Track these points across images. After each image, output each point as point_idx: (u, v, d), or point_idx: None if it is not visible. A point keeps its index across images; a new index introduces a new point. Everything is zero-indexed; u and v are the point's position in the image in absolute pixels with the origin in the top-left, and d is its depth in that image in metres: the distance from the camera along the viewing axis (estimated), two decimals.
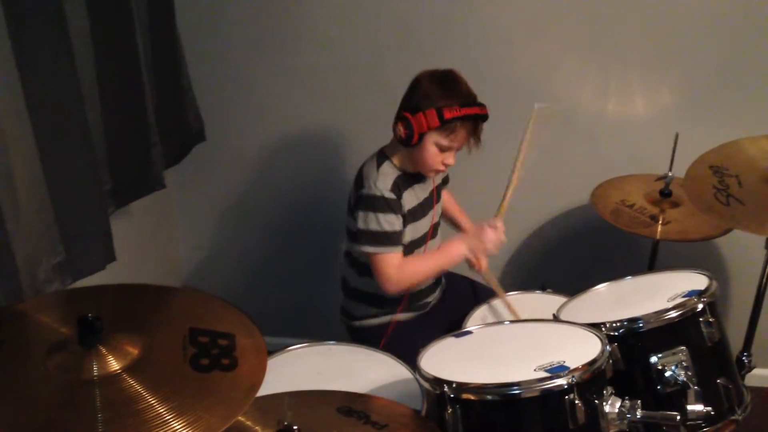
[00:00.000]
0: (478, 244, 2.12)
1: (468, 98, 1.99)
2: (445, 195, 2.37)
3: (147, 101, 2.27)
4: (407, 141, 1.99)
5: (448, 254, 2.16)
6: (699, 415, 1.53)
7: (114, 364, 1.18)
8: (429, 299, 2.32)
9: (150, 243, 2.78)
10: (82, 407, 1.12)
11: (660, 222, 2.28)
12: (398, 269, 2.07)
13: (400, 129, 1.99)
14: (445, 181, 2.36)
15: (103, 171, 2.12)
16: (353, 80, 2.65)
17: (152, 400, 1.14)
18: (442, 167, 2.07)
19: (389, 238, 2.06)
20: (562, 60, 2.55)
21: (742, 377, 2.07)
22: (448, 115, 1.94)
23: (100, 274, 1.99)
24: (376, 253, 2.06)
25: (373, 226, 2.04)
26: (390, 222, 2.05)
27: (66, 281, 1.86)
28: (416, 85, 2.03)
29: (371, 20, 2.56)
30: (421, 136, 1.98)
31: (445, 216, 2.39)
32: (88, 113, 1.94)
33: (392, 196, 2.05)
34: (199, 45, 2.63)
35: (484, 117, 2.01)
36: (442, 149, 2.02)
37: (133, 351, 1.22)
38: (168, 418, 1.11)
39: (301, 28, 2.61)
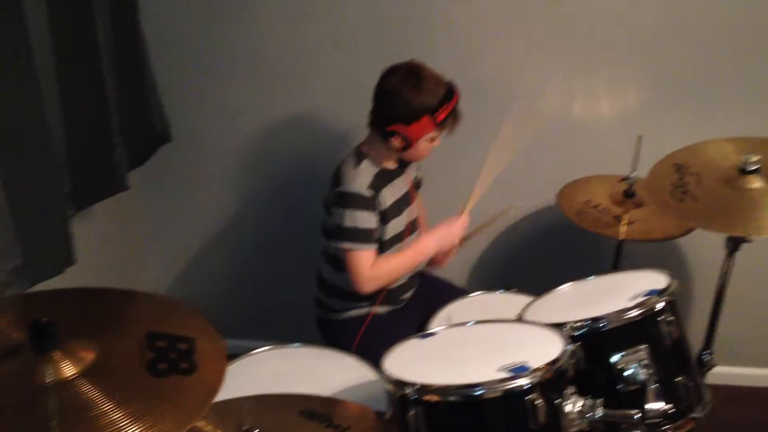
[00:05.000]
0: (447, 238, 2.20)
1: (445, 88, 2.04)
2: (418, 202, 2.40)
3: (109, 102, 2.24)
4: (404, 149, 2.06)
5: (418, 251, 2.20)
6: (658, 413, 1.54)
7: (69, 370, 1.16)
8: (406, 295, 2.34)
9: (115, 246, 2.74)
10: (36, 413, 1.10)
11: (624, 222, 2.30)
12: (371, 267, 2.10)
13: (396, 143, 2.04)
14: (418, 185, 2.38)
15: (63, 172, 2.09)
16: (321, 79, 2.64)
17: (108, 406, 1.11)
18: (429, 152, 2.14)
19: (364, 235, 2.08)
20: (528, 62, 2.56)
21: (703, 375, 2.09)
22: (441, 117, 2.02)
23: (61, 278, 1.96)
24: (351, 249, 2.09)
25: (349, 222, 2.07)
26: (366, 219, 2.08)
27: (23, 285, 1.83)
28: (393, 95, 2.03)
29: (338, 20, 2.56)
30: (417, 141, 2.04)
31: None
32: (47, 114, 1.91)
33: (369, 193, 2.08)
34: (164, 44, 2.60)
35: (459, 96, 2.07)
36: (433, 140, 2.09)
37: (89, 356, 1.19)
38: (124, 423, 1.09)
39: (268, 27, 2.59)
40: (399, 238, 2.23)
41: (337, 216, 2.09)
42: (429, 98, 2.00)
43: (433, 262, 2.35)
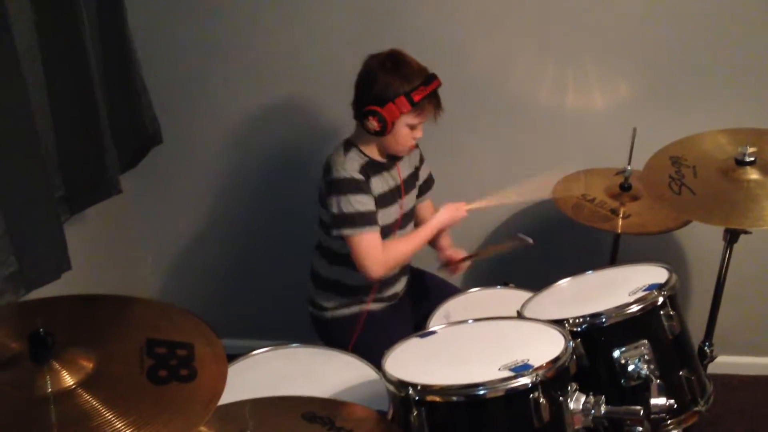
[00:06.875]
0: (450, 221, 2.23)
1: (425, 74, 2.05)
2: (427, 204, 2.41)
3: (99, 105, 2.22)
4: (381, 132, 2.04)
5: (425, 233, 2.21)
6: (662, 409, 1.53)
7: (68, 380, 1.15)
8: (397, 289, 2.32)
9: (109, 250, 2.72)
10: (37, 425, 1.09)
11: (620, 216, 2.30)
12: (381, 249, 2.09)
13: (373, 123, 2.02)
14: (429, 184, 2.39)
15: (55, 177, 2.07)
16: (311, 78, 2.63)
17: (109, 415, 1.11)
18: (413, 143, 2.13)
19: (365, 218, 2.07)
20: (520, 56, 2.55)
21: (705, 367, 2.09)
22: (417, 97, 2.00)
23: (56, 284, 1.94)
24: (353, 234, 2.07)
25: (347, 208, 2.06)
26: (362, 202, 2.07)
27: (19, 292, 1.81)
28: (371, 77, 2.04)
29: (325, 19, 2.54)
30: (394, 124, 2.03)
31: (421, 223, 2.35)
32: (37, 119, 1.89)
33: (361, 177, 2.08)
34: (153, 46, 2.58)
35: (440, 84, 2.07)
36: (413, 128, 2.08)
37: (88, 365, 1.18)
38: None
39: (256, 28, 2.57)
40: (388, 231, 2.20)
41: (335, 204, 2.07)
42: (405, 80, 2.01)
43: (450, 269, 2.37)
